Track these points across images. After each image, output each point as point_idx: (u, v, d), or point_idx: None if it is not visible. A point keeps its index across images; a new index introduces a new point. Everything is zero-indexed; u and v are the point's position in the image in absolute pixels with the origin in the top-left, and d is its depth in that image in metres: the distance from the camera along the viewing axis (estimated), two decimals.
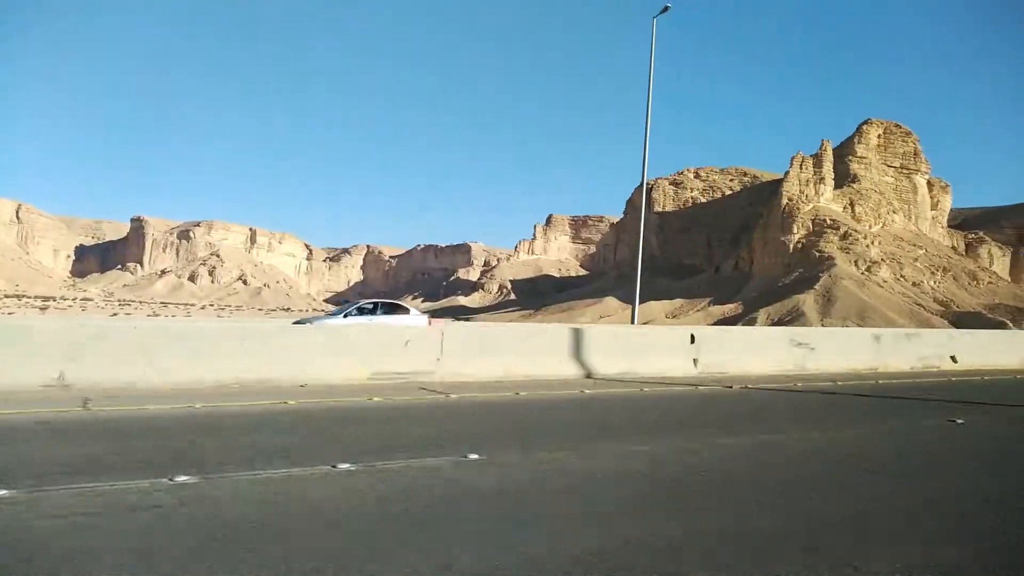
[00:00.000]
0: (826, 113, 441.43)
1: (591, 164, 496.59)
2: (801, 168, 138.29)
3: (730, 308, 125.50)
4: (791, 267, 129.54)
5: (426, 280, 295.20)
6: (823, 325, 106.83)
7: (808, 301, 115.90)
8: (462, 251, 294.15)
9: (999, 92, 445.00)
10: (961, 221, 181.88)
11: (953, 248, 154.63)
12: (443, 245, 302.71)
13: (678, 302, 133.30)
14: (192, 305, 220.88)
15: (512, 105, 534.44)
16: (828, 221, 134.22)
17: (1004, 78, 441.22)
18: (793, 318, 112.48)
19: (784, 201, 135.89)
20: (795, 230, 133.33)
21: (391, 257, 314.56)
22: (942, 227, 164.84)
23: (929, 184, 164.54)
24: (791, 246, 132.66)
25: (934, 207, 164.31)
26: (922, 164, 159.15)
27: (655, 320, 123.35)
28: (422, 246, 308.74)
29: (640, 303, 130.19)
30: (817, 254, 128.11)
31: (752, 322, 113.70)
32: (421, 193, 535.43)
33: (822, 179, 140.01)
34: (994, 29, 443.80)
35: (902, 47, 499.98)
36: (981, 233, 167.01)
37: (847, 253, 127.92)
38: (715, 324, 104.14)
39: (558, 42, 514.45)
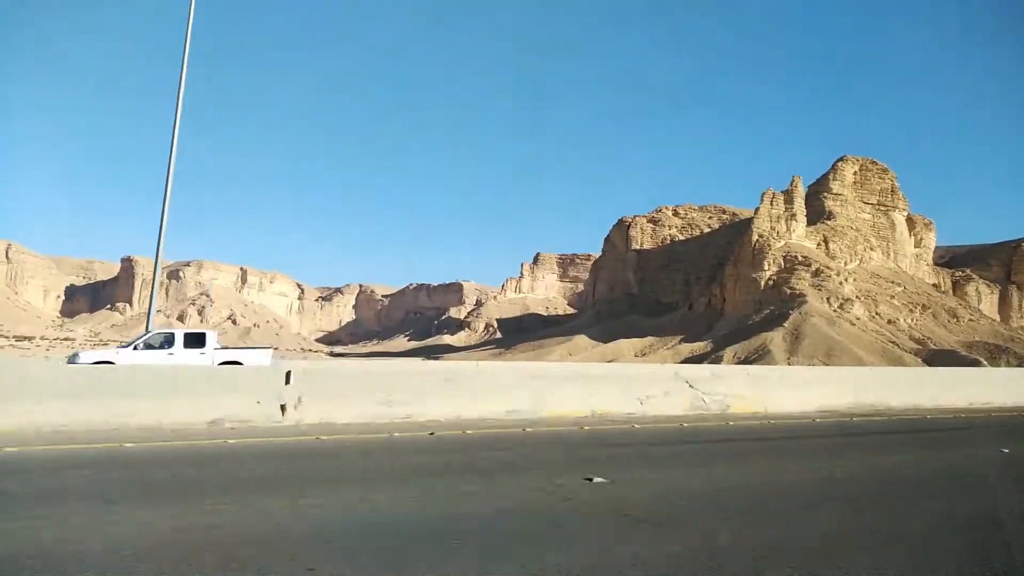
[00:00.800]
0: (811, 150, 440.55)
1: (581, 202, 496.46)
2: (772, 204, 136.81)
3: (699, 346, 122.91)
4: (762, 304, 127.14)
5: (418, 319, 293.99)
6: (789, 363, 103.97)
7: (776, 339, 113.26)
8: (454, 289, 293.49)
9: (988, 129, 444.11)
10: (949, 259, 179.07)
11: (936, 286, 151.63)
12: (435, 284, 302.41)
13: (648, 340, 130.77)
14: None
15: (504, 141, 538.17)
16: (800, 258, 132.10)
17: (994, 116, 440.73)
18: (760, 356, 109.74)
19: (755, 237, 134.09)
20: (766, 267, 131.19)
21: (384, 296, 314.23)
22: (927, 264, 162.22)
23: (913, 221, 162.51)
24: (762, 283, 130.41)
25: (918, 244, 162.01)
26: (899, 201, 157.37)
27: (621, 358, 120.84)
28: (414, 285, 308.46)
29: (611, 341, 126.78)
30: (788, 291, 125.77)
31: (719, 360, 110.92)
32: (414, 231, 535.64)
33: (794, 215, 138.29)
34: (984, 65, 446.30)
35: (895, 83, 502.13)
36: (968, 271, 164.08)
37: (819, 290, 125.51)
38: (683, 362, 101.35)
39: (546, 74, 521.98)
